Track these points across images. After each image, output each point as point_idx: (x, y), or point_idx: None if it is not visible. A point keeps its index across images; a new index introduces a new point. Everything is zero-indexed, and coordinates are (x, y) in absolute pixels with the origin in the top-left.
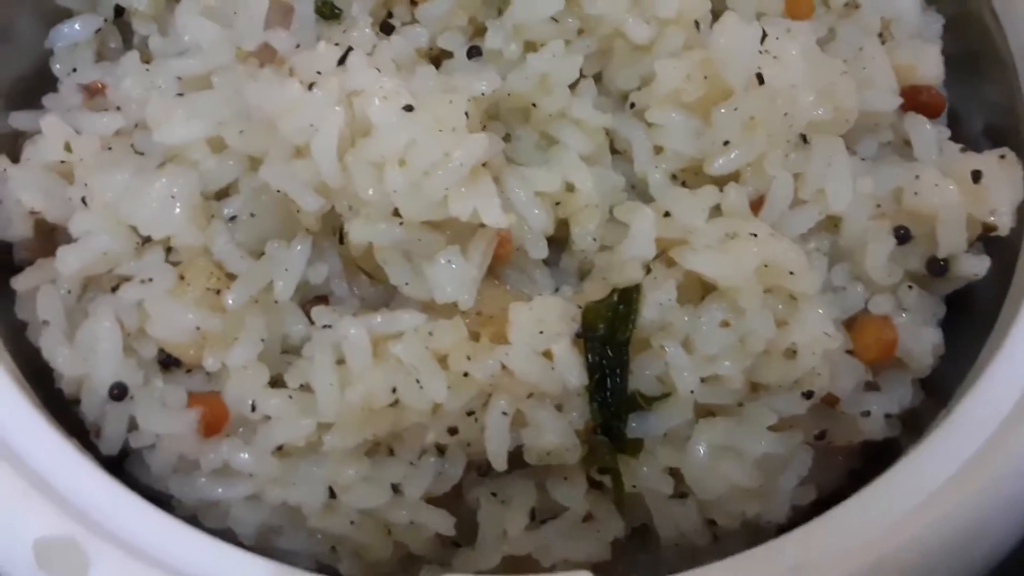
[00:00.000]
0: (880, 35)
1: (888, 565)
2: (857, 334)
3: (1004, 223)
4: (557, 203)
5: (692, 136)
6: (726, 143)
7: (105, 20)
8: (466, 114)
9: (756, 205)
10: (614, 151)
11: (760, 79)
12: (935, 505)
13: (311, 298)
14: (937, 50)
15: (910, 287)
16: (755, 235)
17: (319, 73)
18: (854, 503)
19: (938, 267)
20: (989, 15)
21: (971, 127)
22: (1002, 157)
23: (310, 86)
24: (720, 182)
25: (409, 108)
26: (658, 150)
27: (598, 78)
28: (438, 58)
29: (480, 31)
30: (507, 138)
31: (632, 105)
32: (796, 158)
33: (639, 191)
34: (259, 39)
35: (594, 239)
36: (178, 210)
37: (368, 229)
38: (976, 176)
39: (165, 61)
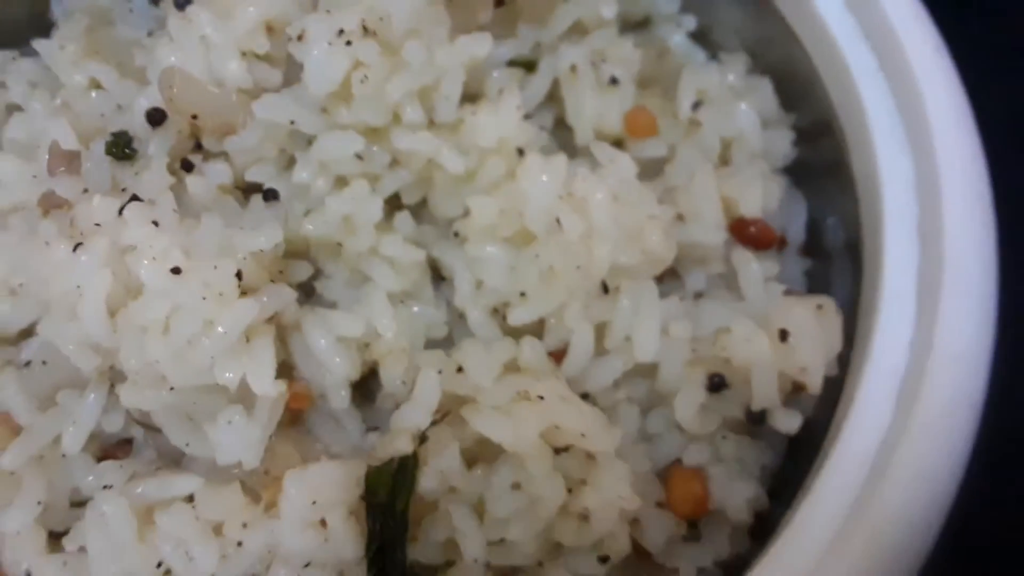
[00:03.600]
0: (724, 154)
1: None
2: (669, 486)
3: (814, 383)
4: (367, 345)
5: (509, 271)
6: (523, 294)
7: None
8: (238, 274)
9: (560, 355)
10: (443, 279)
11: (561, 225)
12: None
13: (114, 443)
14: (759, 184)
15: (724, 437)
16: (541, 397)
17: (97, 225)
18: None
19: (756, 418)
20: (836, 127)
21: (826, 236)
22: (819, 307)
23: (75, 247)
24: (527, 329)
25: (176, 271)
26: (479, 284)
27: (424, 204)
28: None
29: (292, 162)
30: (316, 275)
31: (456, 234)
32: (600, 307)
33: (464, 323)
34: (44, 185)
35: (403, 382)
36: None
37: (137, 394)
38: (783, 335)
39: None
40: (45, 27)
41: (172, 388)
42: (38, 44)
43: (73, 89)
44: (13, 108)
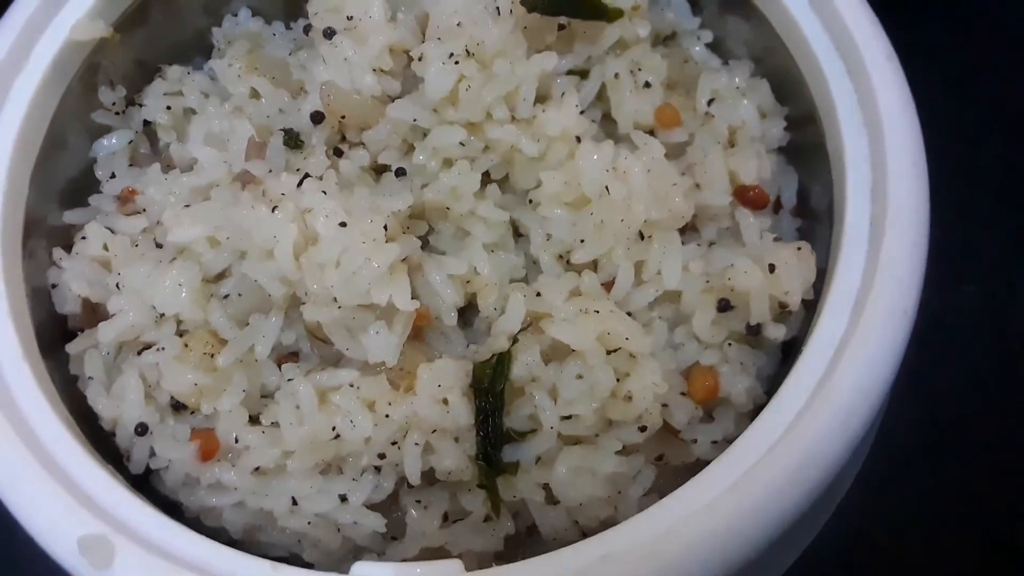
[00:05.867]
0: (731, 138)
1: (665, 555)
2: (690, 381)
3: (794, 303)
4: (468, 281)
5: (571, 227)
6: (582, 241)
7: (136, 131)
8: (385, 227)
9: (609, 285)
10: (521, 235)
11: (609, 191)
12: (709, 512)
13: (285, 354)
14: (755, 160)
15: (730, 344)
16: (597, 311)
17: (283, 195)
18: (656, 508)
19: (753, 330)
20: (817, 117)
21: (812, 201)
22: (799, 249)
23: (273, 209)
24: (585, 267)
25: (343, 224)
26: (548, 237)
27: (507, 179)
28: (383, 168)
29: (411, 149)
30: (430, 231)
31: (531, 201)
32: (638, 250)
33: (537, 266)
34: (241, 166)
35: (495, 308)
36: (184, 294)
37: (315, 311)
38: (772, 268)
39: (178, 176)
40: (205, 47)
41: (340, 307)
42: (214, 63)
43: (238, 97)
44: (189, 111)
